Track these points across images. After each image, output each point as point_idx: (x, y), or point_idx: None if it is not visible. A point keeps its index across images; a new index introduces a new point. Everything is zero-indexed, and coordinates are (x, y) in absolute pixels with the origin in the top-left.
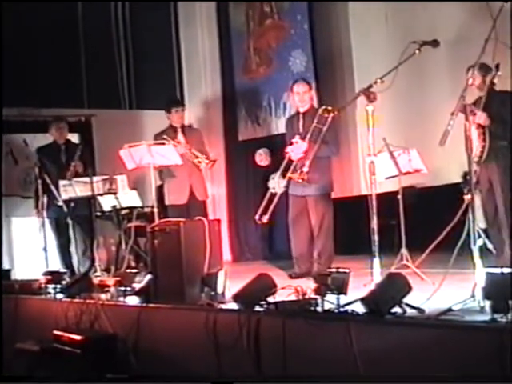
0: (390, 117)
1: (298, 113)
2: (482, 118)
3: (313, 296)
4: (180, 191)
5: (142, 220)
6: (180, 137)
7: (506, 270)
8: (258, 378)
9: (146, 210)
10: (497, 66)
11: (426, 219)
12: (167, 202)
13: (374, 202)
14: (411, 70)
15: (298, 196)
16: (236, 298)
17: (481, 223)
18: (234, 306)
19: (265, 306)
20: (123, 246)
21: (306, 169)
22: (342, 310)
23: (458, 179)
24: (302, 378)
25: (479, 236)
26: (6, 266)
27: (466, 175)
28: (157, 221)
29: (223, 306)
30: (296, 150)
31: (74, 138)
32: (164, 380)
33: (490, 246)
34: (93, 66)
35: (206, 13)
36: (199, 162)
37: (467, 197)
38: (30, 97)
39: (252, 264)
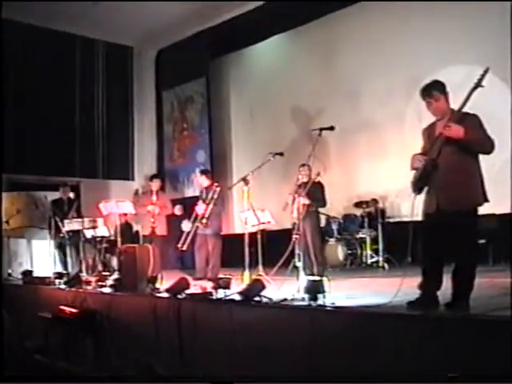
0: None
1: (203, 187)
2: (305, 200)
3: (210, 290)
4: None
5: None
6: (154, 197)
7: (312, 278)
8: (258, 379)
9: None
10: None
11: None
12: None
13: (247, 239)
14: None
15: (201, 234)
16: (167, 290)
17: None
18: (165, 295)
19: (183, 295)
20: (97, 258)
21: (204, 220)
22: (227, 298)
23: (288, 226)
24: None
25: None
26: (29, 268)
27: (294, 224)
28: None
29: (159, 295)
30: (200, 208)
31: (72, 194)
32: (164, 380)
33: (298, 264)
34: (83, 152)
35: (149, 124)
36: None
37: (295, 236)
38: (45, 168)
39: (171, 272)
